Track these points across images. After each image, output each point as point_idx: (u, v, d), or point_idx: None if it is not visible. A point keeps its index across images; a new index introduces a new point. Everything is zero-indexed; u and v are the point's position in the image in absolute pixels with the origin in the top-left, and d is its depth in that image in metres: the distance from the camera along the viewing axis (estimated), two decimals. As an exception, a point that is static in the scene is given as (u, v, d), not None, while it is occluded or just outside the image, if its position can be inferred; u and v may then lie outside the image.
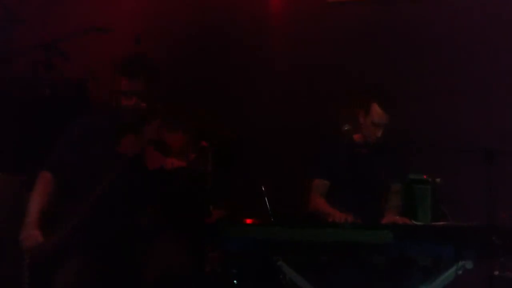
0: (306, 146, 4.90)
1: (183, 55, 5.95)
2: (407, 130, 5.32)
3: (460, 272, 3.61)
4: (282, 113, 5.79)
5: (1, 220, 3.92)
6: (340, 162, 4.54)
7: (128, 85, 3.88)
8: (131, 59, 3.98)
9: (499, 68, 5.48)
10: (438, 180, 4.31)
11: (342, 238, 3.68)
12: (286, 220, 3.99)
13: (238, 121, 5.51)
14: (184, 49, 5.99)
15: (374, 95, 4.54)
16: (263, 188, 4.26)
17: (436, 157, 4.99)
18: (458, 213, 4.39)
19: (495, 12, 5.50)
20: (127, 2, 6.11)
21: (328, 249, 3.74)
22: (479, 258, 3.65)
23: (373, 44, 5.77)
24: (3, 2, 5.14)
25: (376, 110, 4.50)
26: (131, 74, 3.89)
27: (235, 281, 4.44)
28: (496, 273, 3.94)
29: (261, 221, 4.00)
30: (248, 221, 3.85)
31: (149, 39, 5.19)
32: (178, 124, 4.00)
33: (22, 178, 4.28)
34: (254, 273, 4.45)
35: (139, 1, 6.13)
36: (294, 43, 5.95)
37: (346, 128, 4.42)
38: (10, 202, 4.02)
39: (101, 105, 4.40)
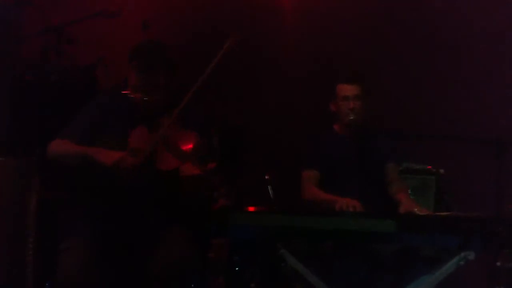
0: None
1: (189, 42, 5.91)
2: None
3: (462, 263, 3.60)
4: (289, 102, 5.77)
5: (5, 204, 3.92)
6: (326, 151, 4.53)
7: (143, 77, 3.60)
8: (148, 48, 3.68)
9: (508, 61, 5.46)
10: (441, 171, 4.29)
11: (345, 227, 3.67)
12: (289, 208, 3.98)
13: (245, 109, 5.51)
14: (192, 35, 5.95)
15: (334, 79, 4.55)
16: (266, 177, 4.24)
17: (444, 148, 4.97)
18: (463, 204, 4.38)
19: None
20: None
21: (331, 237, 3.73)
22: (482, 249, 3.63)
23: (384, 36, 5.75)
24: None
25: (341, 87, 4.50)
26: (147, 66, 3.59)
27: (237, 268, 4.44)
28: (499, 264, 3.92)
29: (264, 208, 3.98)
30: (251, 208, 3.84)
31: (159, 24, 5.16)
32: (192, 124, 3.83)
33: (26, 161, 4.25)
34: (257, 261, 4.45)
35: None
36: (306, 34, 5.92)
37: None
38: (16, 184, 4.00)
39: (113, 89, 4.29)
